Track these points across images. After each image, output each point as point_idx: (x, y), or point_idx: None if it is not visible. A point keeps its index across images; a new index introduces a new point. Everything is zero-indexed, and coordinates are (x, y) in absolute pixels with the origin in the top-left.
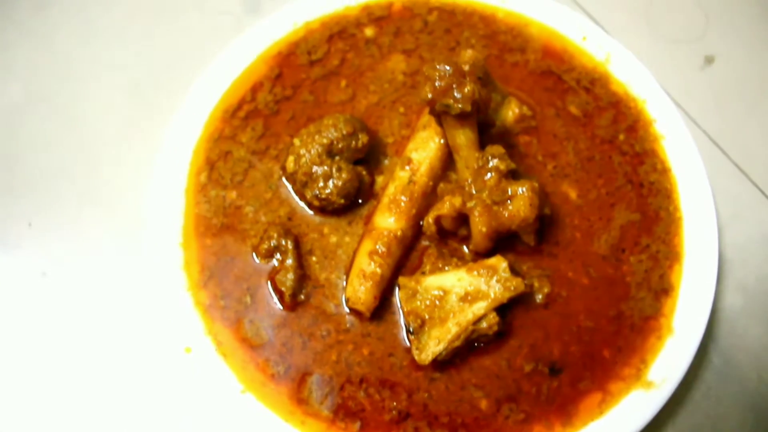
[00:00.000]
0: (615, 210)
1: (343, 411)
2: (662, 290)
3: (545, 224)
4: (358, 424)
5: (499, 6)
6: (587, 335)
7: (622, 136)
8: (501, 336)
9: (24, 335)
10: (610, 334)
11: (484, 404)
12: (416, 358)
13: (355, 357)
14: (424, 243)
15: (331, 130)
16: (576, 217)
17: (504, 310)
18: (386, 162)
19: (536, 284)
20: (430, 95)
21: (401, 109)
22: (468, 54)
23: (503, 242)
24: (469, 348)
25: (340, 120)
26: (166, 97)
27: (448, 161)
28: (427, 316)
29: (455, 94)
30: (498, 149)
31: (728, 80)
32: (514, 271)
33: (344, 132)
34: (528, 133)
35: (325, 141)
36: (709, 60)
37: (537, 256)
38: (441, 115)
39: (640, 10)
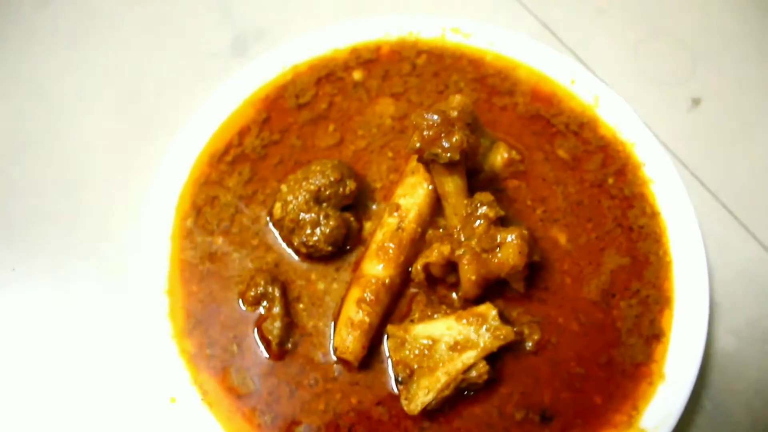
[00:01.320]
0: (605, 254)
1: None
2: (653, 336)
3: (535, 270)
4: None
5: (488, 49)
6: (578, 382)
7: (611, 180)
8: (491, 383)
9: (7, 385)
10: (601, 380)
11: None
12: (405, 408)
13: (344, 406)
14: (413, 290)
15: (319, 176)
16: (566, 262)
17: (494, 357)
18: (374, 208)
19: (526, 331)
20: (418, 144)
21: (389, 154)
22: (456, 100)
23: (492, 289)
24: (459, 396)
25: (327, 166)
26: (152, 140)
27: (436, 207)
28: (416, 366)
29: (443, 144)
30: (487, 196)
31: (715, 122)
32: (504, 318)
33: (332, 179)
34: (517, 177)
35: (312, 188)
36: (696, 102)
37: (526, 302)
38: (429, 164)
39: (627, 52)
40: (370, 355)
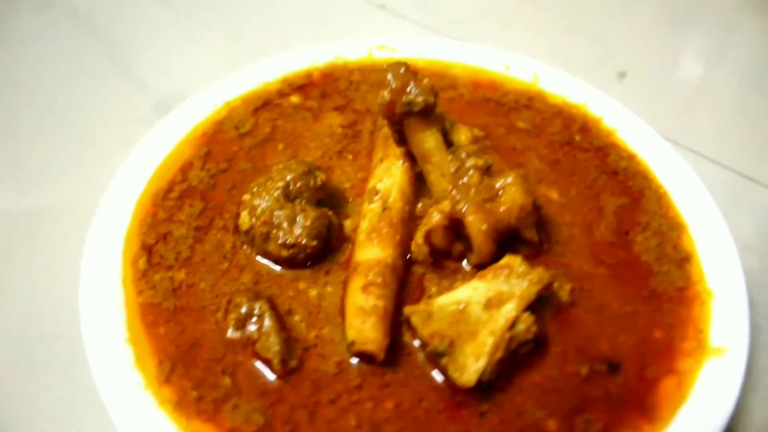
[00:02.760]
0: (601, 199)
1: None
2: (682, 259)
3: (539, 228)
4: None
5: (418, 57)
6: (630, 320)
7: (577, 137)
8: (539, 348)
9: None
10: (652, 313)
11: (552, 425)
12: (458, 381)
13: (380, 414)
14: (420, 271)
15: (284, 173)
16: (566, 214)
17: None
18: (350, 203)
19: (555, 284)
20: (387, 96)
21: (349, 157)
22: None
23: (504, 248)
24: (512, 366)
25: (290, 163)
26: (77, 219)
27: (417, 186)
28: (454, 334)
29: (414, 90)
30: (469, 147)
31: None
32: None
33: (299, 171)
34: (486, 152)
35: (280, 184)
36: (622, 75)
37: (544, 258)
38: (403, 122)
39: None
40: (392, 351)
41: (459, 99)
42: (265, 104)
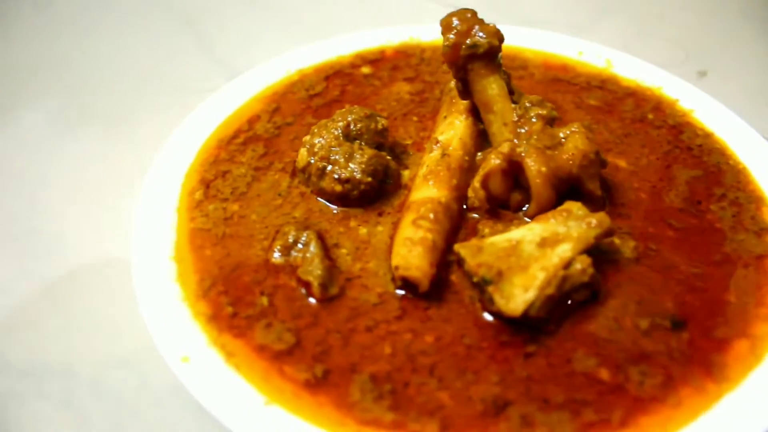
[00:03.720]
0: (673, 170)
1: (414, 410)
2: (762, 230)
3: (605, 190)
4: (437, 425)
5: None
6: (699, 282)
7: (650, 115)
8: (596, 297)
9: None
10: (725, 277)
11: (605, 374)
12: (503, 309)
13: (418, 345)
14: (474, 215)
15: (346, 115)
16: (634, 180)
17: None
18: (411, 156)
19: (617, 240)
20: (452, 37)
21: (414, 119)
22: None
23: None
24: (564, 311)
25: (353, 108)
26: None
27: (480, 141)
28: (505, 267)
29: (479, 33)
30: (534, 96)
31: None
32: None
33: (361, 114)
34: (551, 124)
35: (340, 124)
36: (702, 74)
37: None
38: (467, 68)
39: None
40: (439, 287)
41: (529, 78)
42: (336, 73)
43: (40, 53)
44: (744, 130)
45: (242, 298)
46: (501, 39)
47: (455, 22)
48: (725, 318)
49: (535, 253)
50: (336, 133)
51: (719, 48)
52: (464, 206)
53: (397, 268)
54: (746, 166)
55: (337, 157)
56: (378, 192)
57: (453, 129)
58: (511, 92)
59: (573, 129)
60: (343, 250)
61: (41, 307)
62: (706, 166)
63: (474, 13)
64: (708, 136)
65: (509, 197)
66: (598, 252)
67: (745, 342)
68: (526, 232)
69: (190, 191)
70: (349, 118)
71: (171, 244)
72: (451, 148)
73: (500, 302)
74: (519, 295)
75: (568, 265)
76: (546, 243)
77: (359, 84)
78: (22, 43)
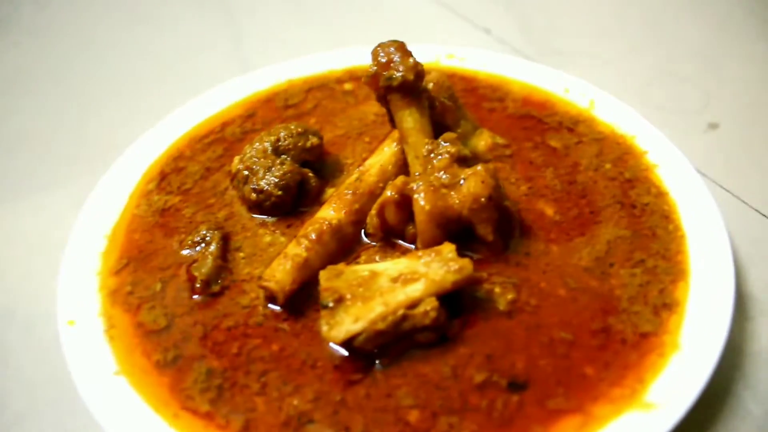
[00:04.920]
0: (600, 227)
1: (228, 407)
2: (663, 305)
3: (512, 234)
4: (240, 424)
5: (481, 70)
6: (563, 348)
7: (608, 165)
8: (445, 341)
9: None
10: (593, 349)
11: (414, 416)
12: (324, 334)
13: (261, 352)
14: (370, 245)
15: (280, 130)
16: (552, 231)
17: (455, 314)
18: (343, 176)
19: (497, 290)
20: (374, 68)
21: (366, 139)
22: (431, 74)
23: (457, 243)
24: (403, 350)
25: (291, 124)
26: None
27: (404, 168)
28: (348, 295)
29: (399, 67)
30: (450, 135)
31: (733, 140)
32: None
33: (294, 132)
34: (501, 161)
35: (272, 138)
36: (713, 126)
37: (502, 265)
38: (388, 97)
39: (636, 88)
40: (305, 301)
41: (501, 111)
42: (320, 86)
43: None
44: (701, 193)
45: (143, 281)
46: (419, 74)
47: (380, 53)
48: (569, 390)
49: (384, 287)
50: (266, 146)
51: (745, 103)
52: (362, 232)
53: (260, 278)
54: (686, 233)
55: (257, 168)
56: (293, 205)
57: (380, 155)
58: (439, 125)
59: (475, 170)
60: (241, 254)
61: None
62: (640, 228)
63: (401, 45)
64: (661, 195)
65: (405, 228)
66: (472, 300)
67: (577, 418)
68: (390, 266)
69: (148, 180)
70: (281, 134)
71: (111, 224)
72: (368, 173)
73: (323, 328)
74: (345, 324)
75: (414, 305)
76: (400, 279)
77: (335, 99)
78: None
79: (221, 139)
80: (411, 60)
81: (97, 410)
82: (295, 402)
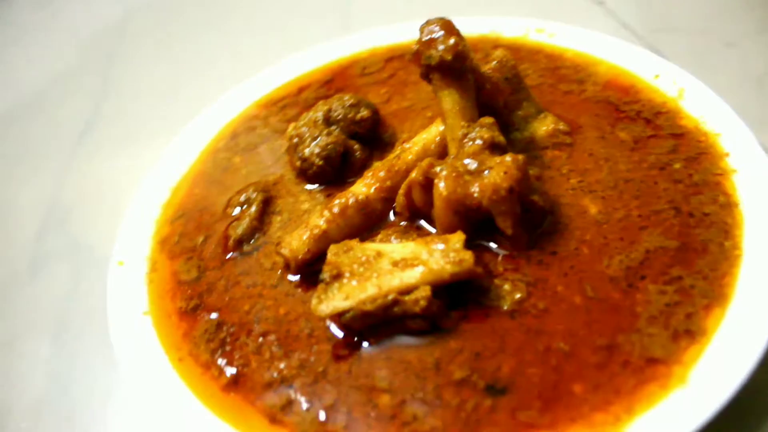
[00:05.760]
0: (644, 233)
1: (225, 359)
2: (686, 332)
3: (542, 229)
4: (230, 377)
5: (569, 47)
6: (556, 360)
7: (677, 165)
8: (436, 331)
9: None
10: (589, 366)
11: (384, 399)
12: (312, 306)
13: (268, 313)
14: (397, 223)
15: (334, 101)
16: (589, 232)
17: (456, 306)
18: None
19: (507, 287)
20: (415, 47)
21: (429, 114)
22: (496, 52)
23: (480, 233)
24: (390, 333)
25: (346, 95)
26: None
27: (446, 149)
28: (346, 272)
29: (439, 46)
30: (488, 119)
31: None
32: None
33: (347, 103)
34: (559, 149)
35: (326, 108)
36: None
37: (523, 261)
38: (429, 76)
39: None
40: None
41: (578, 94)
42: (401, 56)
43: None
44: None
45: (188, 233)
46: (458, 54)
47: (426, 30)
48: (547, 405)
49: (384, 269)
50: (318, 115)
51: None
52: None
53: (278, 243)
54: (743, 254)
55: (306, 136)
56: (336, 175)
57: (426, 133)
58: (486, 107)
59: (502, 160)
60: (279, 218)
61: None
62: (690, 241)
63: (446, 23)
64: (728, 206)
65: (430, 212)
66: (478, 292)
67: None
68: (398, 248)
69: (219, 138)
70: (334, 104)
71: (178, 178)
72: (408, 151)
73: (312, 301)
74: (335, 301)
75: (408, 291)
76: (401, 263)
77: (411, 71)
78: None
79: (295, 103)
80: (452, 40)
81: (117, 342)
82: (282, 365)
